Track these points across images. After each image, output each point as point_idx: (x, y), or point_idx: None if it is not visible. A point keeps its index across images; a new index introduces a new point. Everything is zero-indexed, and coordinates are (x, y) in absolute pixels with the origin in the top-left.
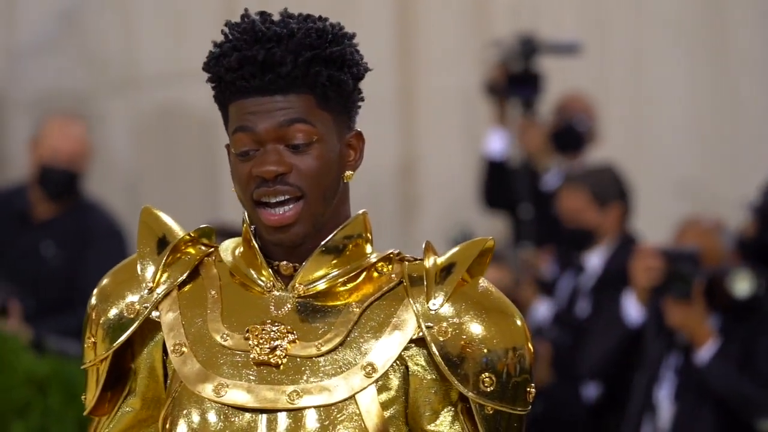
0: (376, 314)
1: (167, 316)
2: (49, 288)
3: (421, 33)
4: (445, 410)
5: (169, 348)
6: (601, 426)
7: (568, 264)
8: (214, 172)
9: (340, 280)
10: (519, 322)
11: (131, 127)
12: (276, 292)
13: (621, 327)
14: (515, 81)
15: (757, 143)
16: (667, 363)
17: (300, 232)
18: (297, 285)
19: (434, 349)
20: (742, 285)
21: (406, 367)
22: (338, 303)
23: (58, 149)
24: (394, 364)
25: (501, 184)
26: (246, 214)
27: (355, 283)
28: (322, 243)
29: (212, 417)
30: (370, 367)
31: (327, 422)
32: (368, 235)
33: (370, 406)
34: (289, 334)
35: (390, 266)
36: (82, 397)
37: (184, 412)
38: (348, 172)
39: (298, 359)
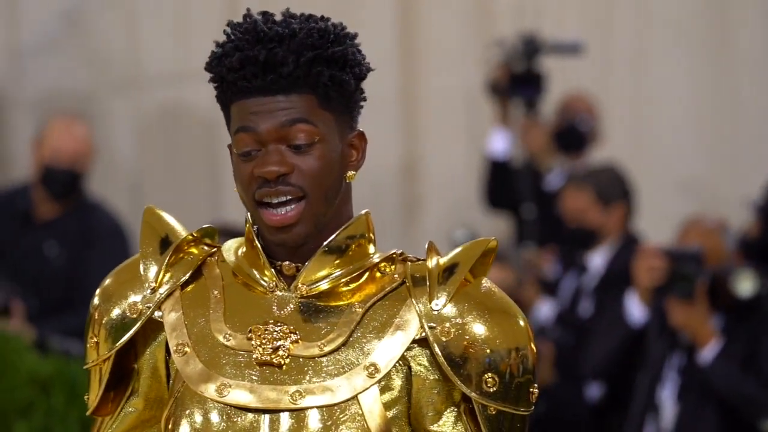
0: (378, 314)
1: (170, 316)
2: (52, 288)
3: (423, 33)
4: (448, 411)
5: (172, 348)
6: (603, 426)
7: (570, 264)
8: (217, 171)
9: (343, 280)
10: (522, 323)
11: (134, 127)
12: (279, 292)
13: (624, 327)
14: (518, 81)
15: (759, 143)
16: (670, 363)
17: (302, 232)
18: (300, 285)
19: (437, 349)
20: (745, 285)
21: (409, 368)
22: (341, 303)
23: (60, 149)
24: (397, 365)
25: (504, 184)
26: (249, 214)
27: (357, 283)
28: (325, 243)
29: (215, 417)
30: (372, 368)
31: (330, 422)
32: (371, 235)
33: (373, 406)
34: (292, 335)
35: (393, 266)
36: (85, 397)
37: (187, 412)
38: (350, 172)
39: (301, 359)
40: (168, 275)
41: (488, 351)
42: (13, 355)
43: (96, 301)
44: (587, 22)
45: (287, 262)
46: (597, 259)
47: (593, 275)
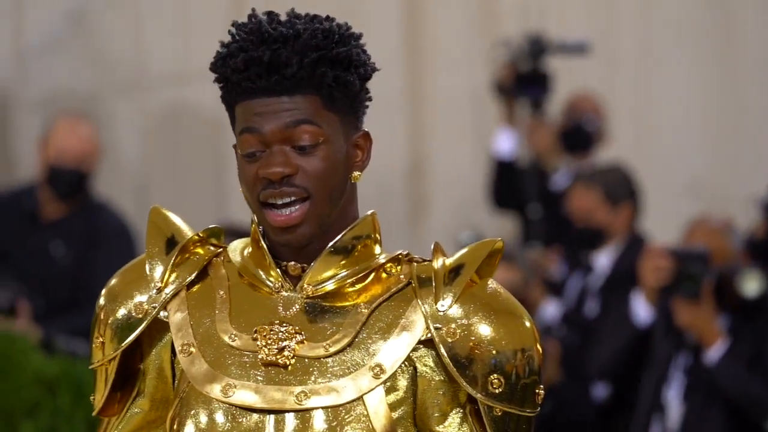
0: (384, 315)
1: (175, 317)
2: (58, 288)
3: (429, 33)
4: (454, 412)
5: (177, 348)
6: (609, 426)
7: (576, 264)
8: (223, 172)
9: (349, 280)
10: (528, 324)
11: (139, 127)
12: (284, 293)
13: (630, 327)
14: (524, 81)
15: (764, 142)
16: (676, 363)
17: (306, 232)
18: (305, 285)
19: (442, 350)
20: (752, 285)
21: (415, 369)
22: (346, 304)
23: (66, 149)
24: (403, 365)
25: (509, 184)
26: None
27: (363, 283)
28: (331, 244)
29: (220, 417)
30: (378, 368)
31: (335, 423)
32: (377, 235)
33: (378, 407)
34: (297, 335)
35: (398, 267)
36: (91, 397)
37: (192, 412)
38: (355, 173)
39: (306, 360)
40: (174, 275)
41: (494, 352)
42: (19, 355)
43: (102, 301)
44: (593, 21)
45: (293, 263)
46: (603, 259)
47: (599, 275)
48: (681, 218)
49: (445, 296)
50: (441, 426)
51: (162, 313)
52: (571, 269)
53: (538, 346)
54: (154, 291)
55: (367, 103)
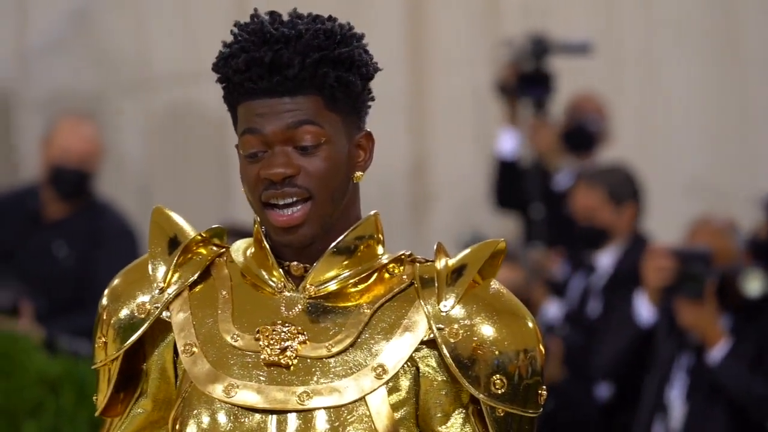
0: (387, 315)
1: (178, 317)
2: (61, 288)
3: (431, 32)
4: (456, 412)
5: (180, 348)
6: (612, 426)
7: (579, 264)
8: (226, 172)
9: (351, 281)
10: (530, 324)
11: (143, 127)
12: (287, 293)
13: (632, 327)
14: (526, 81)
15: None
16: (678, 363)
17: (308, 233)
18: (308, 286)
19: (445, 350)
20: (754, 285)
21: (417, 369)
22: (349, 304)
23: (69, 149)
24: (405, 366)
25: (512, 184)
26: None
27: (366, 284)
28: (333, 244)
29: (222, 417)
30: (380, 369)
31: (337, 423)
32: (380, 236)
33: (381, 407)
34: (300, 335)
35: (401, 267)
36: (94, 397)
37: (194, 412)
38: (358, 173)
39: (309, 360)
40: (176, 275)
41: (497, 353)
42: (22, 355)
43: (104, 301)
44: (596, 21)
45: (295, 263)
46: (605, 259)
47: (601, 275)
48: (684, 218)
49: (447, 297)
50: (443, 426)
51: (164, 314)
52: (573, 269)
53: (541, 347)
54: (157, 291)
55: (370, 103)
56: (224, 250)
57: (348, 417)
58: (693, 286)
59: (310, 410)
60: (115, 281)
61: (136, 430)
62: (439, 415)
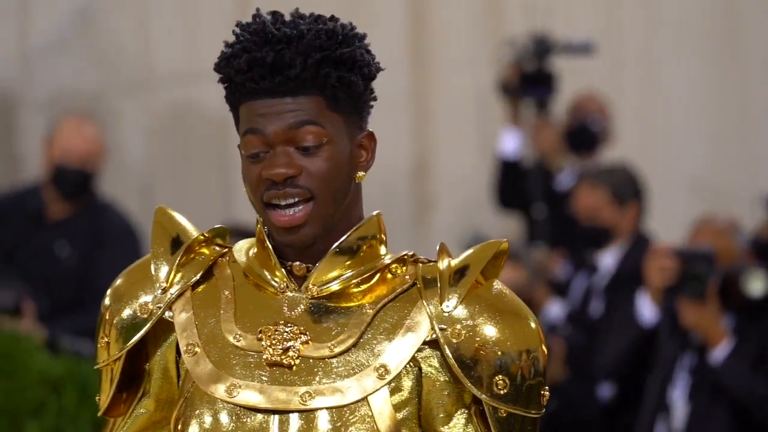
0: (389, 316)
1: (180, 317)
2: (63, 288)
3: (434, 32)
4: (459, 412)
5: (182, 348)
6: (615, 426)
7: (581, 264)
8: (228, 172)
9: (354, 281)
10: (533, 325)
11: (145, 127)
12: (289, 293)
13: (635, 327)
14: (529, 81)
15: None
16: (681, 363)
17: (310, 233)
18: (310, 286)
19: (447, 351)
20: (757, 285)
21: (420, 369)
22: (351, 304)
23: (71, 149)
24: (407, 366)
25: (514, 184)
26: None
27: (368, 284)
28: (336, 244)
29: (224, 417)
30: (382, 369)
31: (339, 424)
32: (382, 236)
33: (383, 407)
34: (302, 335)
35: (404, 268)
36: (96, 398)
37: (197, 412)
38: (360, 173)
39: (311, 360)
40: (179, 275)
41: (499, 353)
42: (24, 355)
43: (107, 301)
44: (598, 21)
45: (298, 263)
46: (607, 259)
47: (604, 275)
48: (686, 218)
49: (450, 297)
50: (446, 427)
51: (167, 313)
52: (575, 269)
53: (543, 348)
54: (159, 291)
55: (372, 103)
56: (227, 250)
57: (350, 417)
58: (695, 286)
59: (313, 410)
60: (118, 281)
61: (139, 430)
62: (441, 415)
